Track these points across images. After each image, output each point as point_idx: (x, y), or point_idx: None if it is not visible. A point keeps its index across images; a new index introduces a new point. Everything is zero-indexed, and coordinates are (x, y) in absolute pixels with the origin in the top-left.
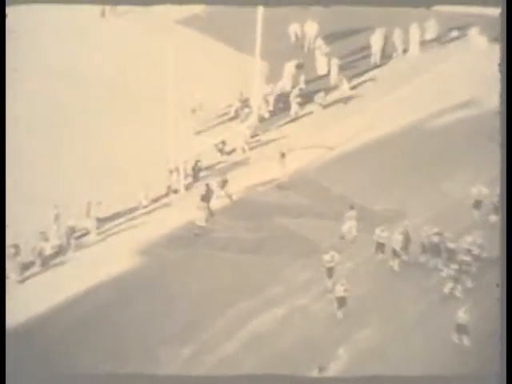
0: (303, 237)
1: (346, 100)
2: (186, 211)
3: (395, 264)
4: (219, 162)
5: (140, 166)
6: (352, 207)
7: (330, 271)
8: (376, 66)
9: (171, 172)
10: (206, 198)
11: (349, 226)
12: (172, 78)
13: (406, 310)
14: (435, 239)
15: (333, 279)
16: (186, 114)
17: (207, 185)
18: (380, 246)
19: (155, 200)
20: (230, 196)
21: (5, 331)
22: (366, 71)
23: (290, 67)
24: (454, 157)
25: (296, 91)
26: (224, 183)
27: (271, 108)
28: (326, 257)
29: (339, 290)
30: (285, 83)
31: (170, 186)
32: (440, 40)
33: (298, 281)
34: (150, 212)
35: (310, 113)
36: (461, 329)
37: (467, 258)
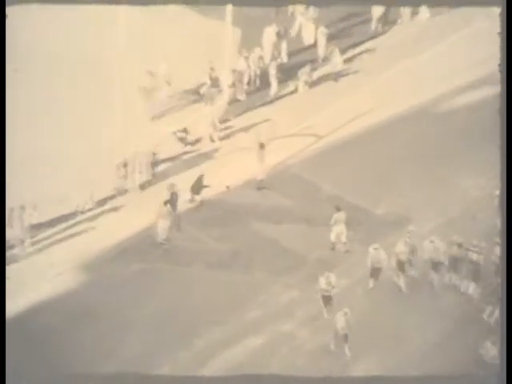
0: (286, 248)
1: (337, 76)
2: (140, 216)
3: (401, 282)
4: (181, 155)
5: (82, 160)
6: (339, 209)
7: (327, 297)
8: (376, 34)
9: (121, 167)
10: (171, 202)
11: (337, 232)
12: (121, 49)
13: (416, 340)
14: (454, 250)
15: (328, 306)
16: (139, 95)
17: (172, 185)
18: (375, 271)
19: (101, 202)
20: (201, 201)
21: (5, 332)
22: (364, 40)
23: (269, 34)
24: (473, 147)
25: (276, 65)
26: (199, 185)
27: (245, 86)
28: (321, 280)
29: (336, 318)
30: (263, 55)
31: (119, 184)
32: None
33: (281, 302)
34: (95, 217)
35: (294, 92)
36: (488, 367)
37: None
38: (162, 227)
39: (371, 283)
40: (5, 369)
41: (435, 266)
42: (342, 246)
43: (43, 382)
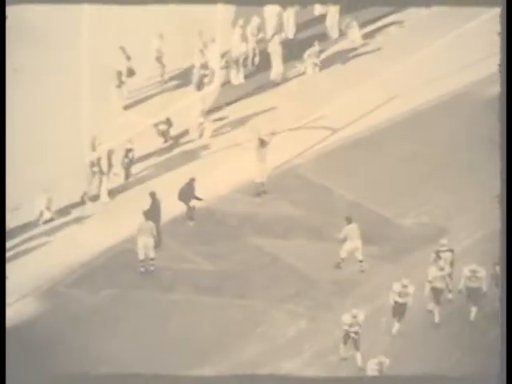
0: (292, 268)
1: (346, 59)
2: (111, 229)
3: (435, 312)
4: (162, 152)
5: (40, 158)
6: (350, 221)
7: (351, 335)
8: (404, 5)
9: (88, 168)
10: (152, 212)
11: (350, 248)
12: (89, 27)
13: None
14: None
15: (350, 344)
16: (111, 80)
17: (153, 194)
18: (398, 308)
19: (63, 212)
20: (192, 208)
21: (5, 332)
22: (389, 13)
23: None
24: None
25: (279, 40)
26: (189, 192)
27: (241, 67)
28: (346, 318)
29: (358, 359)
30: (264, 28)
31: (86, 189)
32: None
33: (286, 335)
34: (55, 230)
35: (302, 75)
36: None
37: None
38: (143, 244)
39: (397, 319)
40: None
41: (474, 293)
42: (357, 265)
43: None
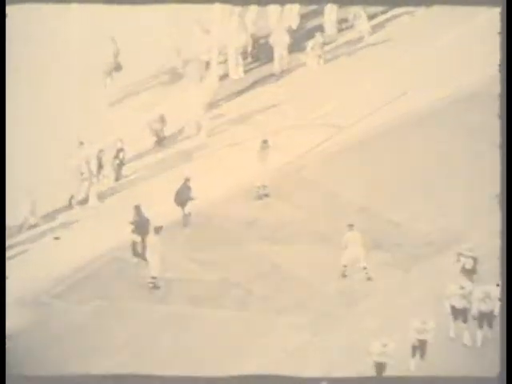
0: (294, 276)
1: (359, 48)
2: (100, 235)
3: (451, 327)
4: (155, 152)
5: (23, 159)
6: (351, 227)
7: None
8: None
9: (76, 169)
10: (139, 227)
11: (351, 256)
12: (79, 23)
13: None
14: None
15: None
16: (99, 76)
17: (137, 208)
18: (420, 345)
19: (48, 217)
20: (187, 215)
21: (5, 332)
22: (400, 2)
23: None
24: None
25: (283, 29)
26: (185, 194)
27: (240, 59)
28: (375, 346)
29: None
30: (265, 18)
31: (73, 192)
32: None
33: (288, 348)
34: (39, 237)
35: (305, 68)
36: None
37: None
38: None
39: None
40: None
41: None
42: (362, 273)
43: None
